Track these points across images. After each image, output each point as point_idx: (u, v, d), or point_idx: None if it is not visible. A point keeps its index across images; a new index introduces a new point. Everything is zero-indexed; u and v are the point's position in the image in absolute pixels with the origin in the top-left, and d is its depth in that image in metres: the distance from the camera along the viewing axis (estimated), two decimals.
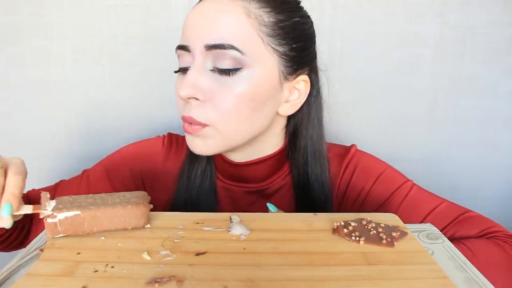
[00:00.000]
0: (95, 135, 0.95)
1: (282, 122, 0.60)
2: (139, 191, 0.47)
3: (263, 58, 0.51)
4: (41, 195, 0.43)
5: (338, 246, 0.42)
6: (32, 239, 0.45)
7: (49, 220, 0.41)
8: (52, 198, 0.44)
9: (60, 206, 0.42)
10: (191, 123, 0.53)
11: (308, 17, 0.58)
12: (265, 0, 0.52)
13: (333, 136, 0.68)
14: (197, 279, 0.35)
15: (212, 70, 0.51)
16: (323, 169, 0.61)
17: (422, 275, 0.37)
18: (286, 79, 0.54)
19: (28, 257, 0.40)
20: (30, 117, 0.93)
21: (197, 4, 0.54)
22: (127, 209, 0.43)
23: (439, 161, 0.99)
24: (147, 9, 0.88)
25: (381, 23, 0.90)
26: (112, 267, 0.37)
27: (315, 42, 0.59)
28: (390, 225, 0.46)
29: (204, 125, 0.52)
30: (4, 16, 0.87)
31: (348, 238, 0.43)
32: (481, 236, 0.55)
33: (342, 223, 0.45)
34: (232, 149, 0.57)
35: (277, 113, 0.57)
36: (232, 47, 0.49)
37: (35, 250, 0.42)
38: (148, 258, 0.39)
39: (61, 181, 0.67)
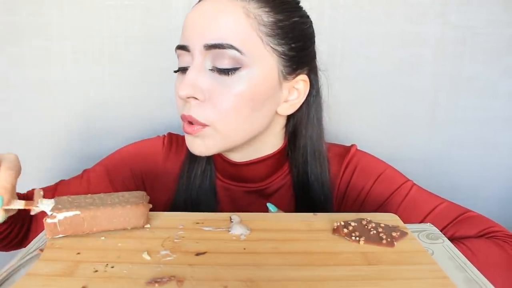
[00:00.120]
0: (95, 135, 0.95)
1: (282, 122, 0.60)
2: (138, 191, 0.47)
3: (262, 57, 0.51)
4: (34, 191, 0.43)
5: (338, 246, 0.42)
6: (32, 239, 0.45)
7: (48, 220, 0.41)
8: (52, 198, 0.44)
9: (60, 206, 0.42)
10: (191, 124, 0.53)
11: (307, 17, 0.58)
12: (264, 0, 0.52)
13: (333, 136, 0.68)
14: (197, 279, 0.35)
15: (211, 70, 0.51)
16: (323, 169, 0.61)
17: (422, 275, 0.37)
18: (285, 78, 0.54)
19: (28, 257, 0.40)
20: (30, 117, 0.93)
21: (196, 4, 0.54)
22: (127, 209, 0.43)
23: (440, 161, 0.99)
24: (147, 9, 0.88)
25: (382, 23, 0.90)
26: (112, 267, 0.37)
27: (314, 42, 0.59)
28: (390, 225, 0.46)
29: (204, 125, 0.52)
30: (4, 16, 0.87)
31: (348, 238, 0.43)
32: (481, 236, 0.55)
33: (342, 223, 0.45)
34: (232, 149, 0.57)
35: (276, 112, 0.57)
36: (231, 47, 0.49)
37: (35, 250, 0.42)
38: (148, 258, 0.39)
39: (61, 181, 0.67)
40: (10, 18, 0.87)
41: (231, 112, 0.51)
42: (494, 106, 0.97)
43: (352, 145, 0.66)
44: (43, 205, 0.42)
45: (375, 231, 0.44)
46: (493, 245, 0.52)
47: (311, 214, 0.49)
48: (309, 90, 0.58)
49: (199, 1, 0.54)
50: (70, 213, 0.41)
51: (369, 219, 0.47)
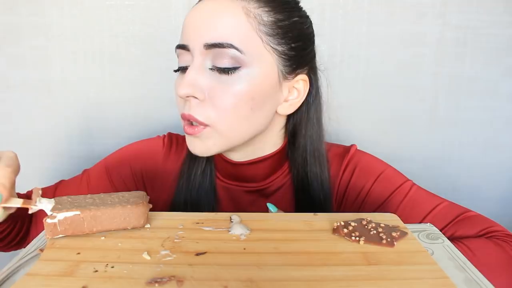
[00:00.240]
0: (95, 135, 0.95)
1: (282, 122, 0.60)
2: (138, 191, 0.47)
3: (262, 57, 0.51)
4: (33, 190, 0.43)
5: (338, 246, 0.42)
6: (32, 239, 0.45)
7: (48, 220, 0.41)
8: (52, 198, 0.44)
9: (60, 206, 0.42)
10: (191, 124, 0.53)
11: (307, 17, 0.58)
12: (264, 0, 0.52)
13: (333, 136, 0.68)
14: (197, 279, 0.35)
15: (211, 69, 0.51)
16: (323, 169, 0.61)
17: (422, 275, 0.37)
18: (285, 78, 0.54)
19: (28, 257, 0.40)
20: (30, 117, 0.93)
21: (197, 3, 0.54)
22: (127, 209, 0.43)
23: (440, 161, 0.99)
24: (147, 9, 0.88)
25: (382, 23, 0.90)
26: (112, 267, 0.37)
27: (314, 41, 0.59)
28: (390, 225, 0.46)
29: (205, 125, 0.52)
30: (4, 16, 0.87)
31: (348, 238, 0.43)
32: (481, 236, 0.55)
33: (342, 223, 0.45)
34: (232, 149, 0.57)
35: (277, 112, 0.57)
36: (231, 46, 0.49)
37: (35, 250, 0.42)
38: (148, 258, 0.39)
39: (61, 181, 0.67)
40: (10, 18, 0.87)
41: (231, 111, 0.51)
42: (495, 106, 0.97)
43: (352, 145, 0.66)
44: (42, 204, 0.42)
45: (375, 231, 0.44)
46: (493, 245, 0.52)
47: (311, 214, 0.49)
48: (309, 89, 0.58)
49: (199, 1, 0.54)
50: (70, 213, 0.41)
51: (369, 219, 0.47)
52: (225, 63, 0.50)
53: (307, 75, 0.57)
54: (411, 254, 0.40)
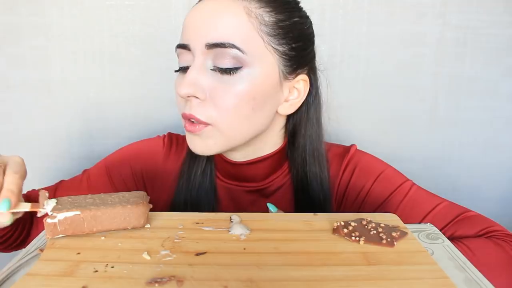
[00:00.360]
0: (95, 135, 0.95)
1: (282, 122, 0.60)
2: (138, 191, 0.47)
3: (264, 57, 0.51)
4: (39, 193, 0.43)
5: (338, 246, 0.42)
6: (32, 240, 0.45)
7: (48, 220, 0.41)
8: (52, 198, 0.44)
9: (60, 206, 0.42)
10: (192, 122, 0.53)
11: (307, 17, 0.58)
12: (265, 0, 0.52)
13: (333, 136, 0.68)
14: (197, 279, 0.35)
15: (213, 69, 0.51)
16: (322, 168, 0.61)
17: (422, 275, 0.37)
18: (286, 78, 0.55)
19: (28, 257, 0.40)
20: (30, 117, 0.93)
21: (197, 3, 0.54)
22: (127, 209, 0.43)
23: (440, 161, 0.99)
24: (147, 9, 0.88)
25: (382, 24, 0.90)
26: (112, 267, 0.37)
27: (314, 42, 0.59)
28: (390, 225, 0.46)
29: (206, 124, 0.52)
30: (4, 16, 0.87)
31: (348, 238, 0.43)
32: (481, 236, 0.55)
33: (342, 223, 0.45)
34: (232, 149, 0.57)
35: (277, 112, 0.57)
36: (233, 46, 0.49)
37: (35, 250, 0.42)
38: (148, 258, 0.39)
39: (62, 181, 0.67)
40: (10, 18, 0.87)
41: (233, 111, 0.51)
42: (495, 106, 0.97)
43: (352, 145, 0.66)
44: (49, 206, 0.42)
45: (375, 231, 0.44)
46: (493, 245, 0.52)
47: (311, 214, 0.49)
48: (309, 89, 0.58)
49: (200, 1, 0.54)
50: (70, 213, 0.41)
51: (369, 219, 0.47)
52: (227, 63, 0.50)
53: (307, 75, 0.57)
54: (411, 254, 0.40)
